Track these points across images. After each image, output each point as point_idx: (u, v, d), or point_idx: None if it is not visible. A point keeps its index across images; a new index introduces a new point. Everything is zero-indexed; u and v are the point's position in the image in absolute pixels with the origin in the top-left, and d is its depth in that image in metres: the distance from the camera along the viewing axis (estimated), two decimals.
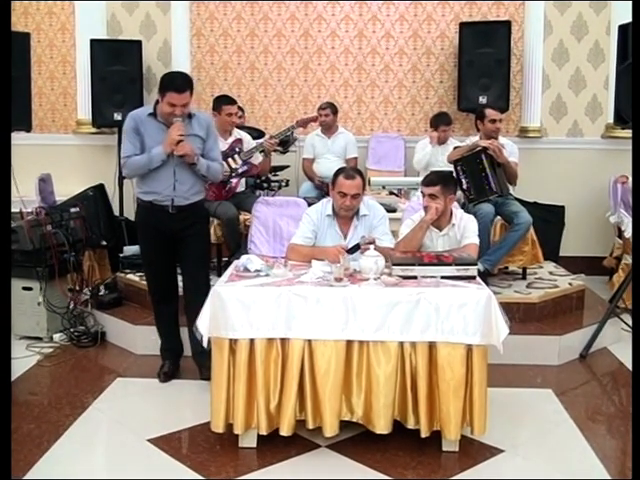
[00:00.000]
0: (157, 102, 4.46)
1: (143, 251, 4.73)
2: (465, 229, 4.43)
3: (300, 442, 3.76)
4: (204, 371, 4.49)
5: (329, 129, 7.08)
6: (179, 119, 4.34)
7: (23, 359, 4.97)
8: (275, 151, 6.23)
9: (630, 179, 6.44)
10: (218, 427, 3.67)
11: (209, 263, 4.92)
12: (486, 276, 5.14)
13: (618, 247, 6.71)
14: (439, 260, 3.91)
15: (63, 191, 6.56)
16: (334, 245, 4.22)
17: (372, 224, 4.39)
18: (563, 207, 7.27)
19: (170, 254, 4.60)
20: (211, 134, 4.63)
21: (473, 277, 3.85)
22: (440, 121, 6.77)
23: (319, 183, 6.90)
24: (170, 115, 4.35)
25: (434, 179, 4.43)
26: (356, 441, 3.78)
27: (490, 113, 5.73)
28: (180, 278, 4.70)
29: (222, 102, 5.90)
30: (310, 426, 3.66)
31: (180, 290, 4.71)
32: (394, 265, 3.88)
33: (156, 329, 4.81)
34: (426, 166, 6.55)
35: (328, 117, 7.00)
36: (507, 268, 5.98)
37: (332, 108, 7.04)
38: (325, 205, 4.47)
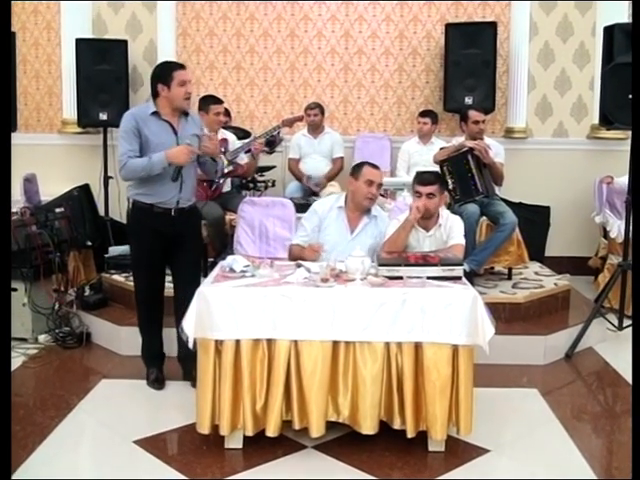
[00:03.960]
0: (155, 97, 4.36)
1: (136, 252, 4.58)
2: (451, 229, 4.44)
3: (286, 443, 3.75)
4: (188, 376, 4.51)
5: (316, 129, 7.08)
6: (190, 142, 4.27)
7: None
8: (262, 151, 6.23)
9: (615, 179, 6.49)
10: (204, 428, 3.66)
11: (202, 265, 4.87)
12: (472, 276, 5.15)
13: (603, 247, 6.74)
14: (425, 260, 3.92)
15: (48, 191, 6.53)
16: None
17: (381, 230, 4.51)
18: (548, 207, 7.30)
19: (163, 256, 4.50)
20: (203, 132, 4.63)
21: (459, 277, 3.86)
22: (418, 114, 7.06)
23: (307, 182, 6.90)
24: (186, 98, 4.31)
25: (431, 178, 4.46)
26: (342, 442, 3.78)
27: (473, 115, 5.75)
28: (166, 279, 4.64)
29: (209, 102, 5.89)
30: (296, 427, 3.65)
31: (166, 291, 4.65)
32: (380, 265, 3.88)
33: (139, 331, 4.69)
34: (409, 168, 6.61)
35: (317, 117, 7.01)
36: (493, 268, 5.99)
37: (320, 108, 7.05)
38: (337, 198, 4.64)
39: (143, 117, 4.32)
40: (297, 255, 4.40)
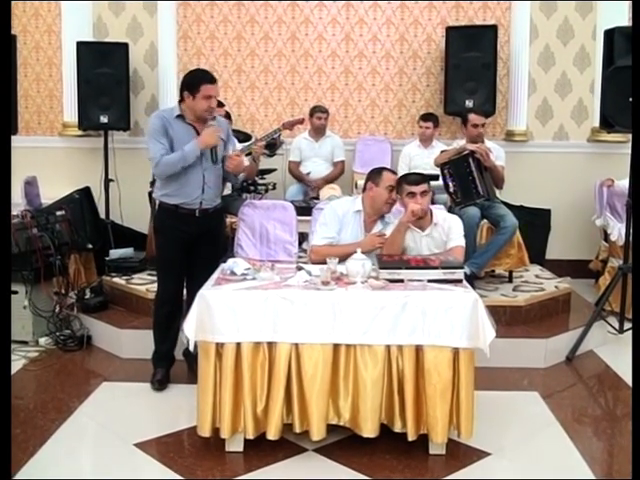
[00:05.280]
0: (180, 101, 4.48)
1: (162, 254, 4.62)
2: (450, 230, 4.43)
3: (287, 446, 3.75)
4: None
5: (320, 132, 7.10)
6: (214, 123, 4.42)
7: None
8: (262, 154, 6.22)
9: (616, 182, 6.48)
10: (205, 431, 3.66)
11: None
12: (472, 279, 5.15)
13: (604, 250, 6.73)
14: (426, 263, 3.92)
15: (49, 194, 6.54)
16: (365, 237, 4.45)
17: None
18: (549, 210, 7.29)
19: (186, 258, 4.59)
20: (230, 137, 4.73)
21: (460, 280, 3.86)
22: (420, 117, 7.04)
23: (309, 183, 6.92)
24: (208, 110, 4.39)
25: (419, 178, 4.46)
26: (343, 445, 3.78)
27: (472, 118, 5.77)
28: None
29: None
30: (297, 430, 3.65)
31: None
32: (381, 268, 3.88)
33: (154, 335, 4.69)
34: (410, 171, 6.61)
35: (326, 121, 7.08)
36: (493, 271, 5.98)
37: (328, 112, 7.11)
38: (353, 201, 4.63)
39: (169, 119, 4.45)
40: (337, 254, 4.13)
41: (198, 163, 4.42)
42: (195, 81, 4.39)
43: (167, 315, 4.63)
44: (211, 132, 4.37)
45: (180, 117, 4.45)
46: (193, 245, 4.55)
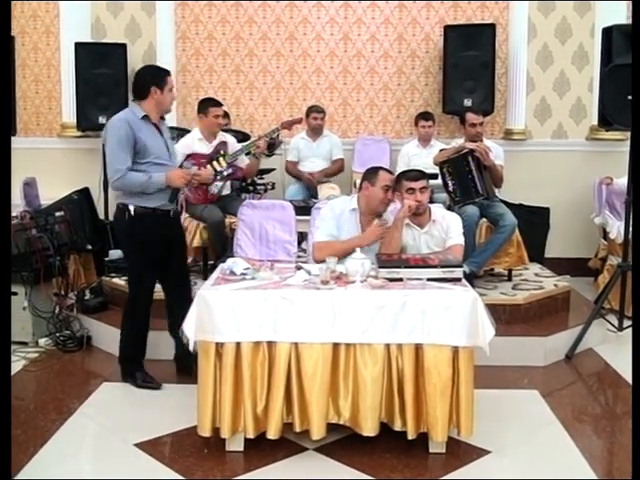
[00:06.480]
0: (142, 99, 4.42)
1: (139, 259, 4.50)
2: (449, 228, 4.44)
3: (287, 445, 3.75)
4: (188, 370, 4.51)
5: (318, 132, 7.10)
6: (194, 168, 4.69)
7: None
8: (261, 153, 6.22)
9: (615, 180, 6.49)
10: (205, 431, 3.67)
11: None
12: (472, 278, 5.15)
13: (603, 248, 6.74)
14: (425, 262, 3.92)
15: (48, 195, 6.54)
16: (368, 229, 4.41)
17: None
18: (548, 209, 7.30)
19: (159, 261, 4.57)
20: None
21: (459, 279, 3.86)
22: (420, 117, 6.99)
23: (309, 179, 6.91)
24: (171, 103, 4.55)
25: (418, 174, 4.47)
26: (343, 444, 3.78)
27: (470, 117, 5.78)
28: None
29: (208, 104, 5.89)
30: (297, 429, 3.65)
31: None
32: (380, 267, 3.88)
33: (127, 340, 4.67)
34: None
35: (322, 121, 7.06)
36: (493, 270, 6.00)
37: (324, 112, 7.10)
38: (349, 200, 4.63)
39: (135, 122, 4.34)
40: (339, 250, 4.24)
41: (170, 163, 4.47)
42: (160, 75, 4.44)
43: (139, 317, 4.61)
44: (180, 175, 4.41)
45: (145, 118, 4.38)
46: (168, 247, 4.54)
